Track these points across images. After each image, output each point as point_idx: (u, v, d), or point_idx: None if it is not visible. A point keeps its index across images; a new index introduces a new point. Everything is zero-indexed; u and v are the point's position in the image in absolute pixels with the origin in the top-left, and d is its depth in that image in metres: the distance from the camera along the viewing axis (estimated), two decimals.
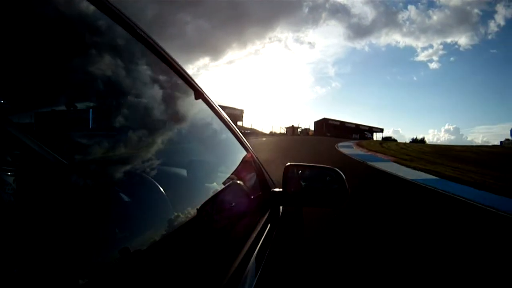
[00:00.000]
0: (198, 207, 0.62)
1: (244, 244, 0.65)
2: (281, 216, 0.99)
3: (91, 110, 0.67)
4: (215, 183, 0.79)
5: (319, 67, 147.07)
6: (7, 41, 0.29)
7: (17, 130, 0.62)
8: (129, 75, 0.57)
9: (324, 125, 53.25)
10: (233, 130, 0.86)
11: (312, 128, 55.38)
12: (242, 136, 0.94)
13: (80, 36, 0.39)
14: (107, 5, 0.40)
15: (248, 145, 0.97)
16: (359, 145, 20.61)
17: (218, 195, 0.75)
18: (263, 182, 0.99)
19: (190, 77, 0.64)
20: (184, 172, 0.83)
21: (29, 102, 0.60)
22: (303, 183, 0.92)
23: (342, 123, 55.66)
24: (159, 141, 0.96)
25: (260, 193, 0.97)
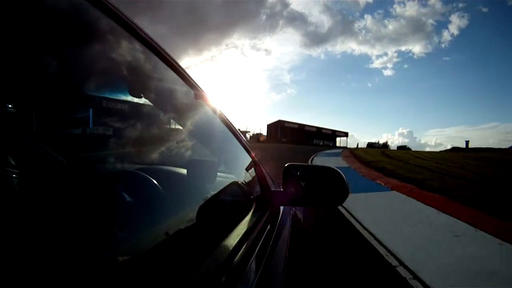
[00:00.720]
0: (198, 207, 0.62)
1: (244, 244, 0.65)
2: (281, 216, 1.00)
3: (91, 110, 0.67)
4: (215, 183, 0.79)
5: (275, 74, 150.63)
6: (7, 41, 0.29)
7: (17, 130, 0.62)
8: (129, 75, 0.57)
9: (279, 128, 44.69)
10: (233, 130, 0.87)
11: (264, 132, 46.90)
12: (242, 136, 0.94)
13: (79, 36, 0.39)
14: (106, 5, 0.40)
15: (248, 145, 0.97)
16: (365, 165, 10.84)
17: (218, 194, 0.75)
18: (263, 182, 0.99)
19: (190, 77, 0.64)
20: (184, 172, 0.83)
21: (29, 103, 0.60)
22: (303, 183, 0.92)
23: (301, 126, 47.11)
24: (159, 141, 0.96)
25: (260, 193, 0.97)
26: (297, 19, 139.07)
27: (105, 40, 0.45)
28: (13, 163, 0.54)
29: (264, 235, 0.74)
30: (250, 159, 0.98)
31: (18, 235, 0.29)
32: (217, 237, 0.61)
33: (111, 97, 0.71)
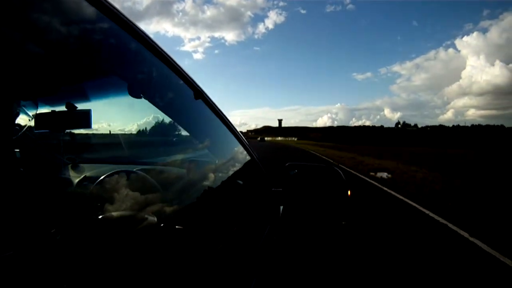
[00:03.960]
0: (197, 207, 0.62)
1: (244, 243, 0.65)
2: (281, 216, 1.00)
3: (91, 110, 0.67)
4: (215, 183, 0.79)
5: None
6: (7, 41, 0.29)
7: (17, 130, 0.62)
8: (128, 75, 0.57)
9: None
10: (233, 130, 0.87)
11: None
12: (242, 136, 0.94)
13: (79, 36, 0.39)
14: (106, 6, 0.40)
15: (248, 145, 0.97)
16: None
17: (217, 194, 0.75)
18: (263, 182, 0.99)
19: (190, 77, 0.64)
20: (184, 172, 0.83)
21: (29, 103, 0.60)
22: (302, 183, 0.92)
23: None
24: (159, 141, 0.96)
25: (260, 193, 0.97)
26: None
27: (104, 40, 0.45)
28: (13, 162, 0.54)
29: (264, 235, 0.74)
30: (250, 159, 0.98)
31: (18, 234, 0.29)
32: (217, 237, 0.61)
33: (111, 97, 0.71)
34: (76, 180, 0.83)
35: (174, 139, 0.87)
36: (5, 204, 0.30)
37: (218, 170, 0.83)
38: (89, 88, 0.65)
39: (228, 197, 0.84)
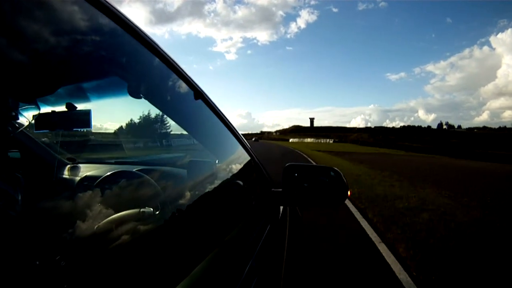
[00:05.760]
0: (198, 207, 0.62)
1: (244, 244, 0.65)
2: (281, 216, 1.00)
3: (91, 111, 0.67)
4: (215, 183, 0.79)
5: None
6: (7, 41, 0.29)
7: (17, 130, 0.62)
8: (128, 75, 0.57)
9: None
10: (233, 130, 0.87)
11: None
12: (242, 136, 0.94)
13: (79, 36, 0.39)
14: (106, 6, 0.40)
15: (248, 145, 0.97)
16: None
17: (217, 195, 0.75)
18: (263, 182, 0.99)
19: (190, 77, 0.64)
20: (184, 172, 0.83)
21: (29, 103, 0.60)
22: (302, 183, 0.92)
23: None
24: (159, 142, 0.96)
25: (260, 193, 0.97)
26: None
27: (105, 41, 0.45)
28: (13, 162, 0.54)
29: (264, 235, 0.74)
30: (250, 159, 0.98)
31: (18, 234, 0.29)
32: (217, 237, 0.61)
33: (111, 97, 0.71)
34: (76, 180, 0.83)
35: (174, 139, 0.87)
36: (5, 204, 0.30)
37: (218, 170, 0.83)
38: (89, 88, 0.65)
39: (228, 197, 0.84)
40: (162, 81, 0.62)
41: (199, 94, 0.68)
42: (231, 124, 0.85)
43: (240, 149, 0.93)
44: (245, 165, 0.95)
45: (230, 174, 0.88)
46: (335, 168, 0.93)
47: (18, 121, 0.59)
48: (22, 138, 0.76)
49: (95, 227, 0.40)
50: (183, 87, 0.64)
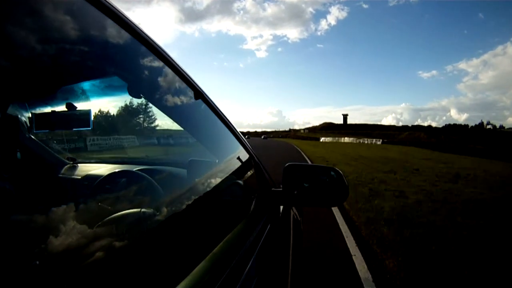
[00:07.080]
0: (197, 207, 0.62)
1: (244, 244, 0.65)
2: (281, 216, 1.00)
3: (91, 111, 0.67)
4: (215, 183, 0.79)
5: None
6: (7, 41, 0.30)
7: (17, 130, 0.62)
8: (128, 75, 0.57)
9: None
10: (233, 130, 0.87)
11: None
12: (242, 136, 0.94)
13: (79, 36, 0.39)
14: (106, 6, 0.40)
15: (248, 144, 0.97)
16: None
17: (218, 195, 0.75)
18: (263, 182, 0.99)
19: (190, 77, 0.64)
20: (184, 172, 0.83)
21: (29, 103, 0.61)
22: (303, 183, 0.92)
23: None
24: (159, 141, 0.96)
25: (260, 192, 0.97)
26: None
27: (104, 41, 0.45)
28: (14, 162, 0.54)
29: (264, 235, 0.74)
30: (250, 159, 0.98)
31: (18, 234, 0.29)
32: (218, 237, 0.61)
33: (111, 97, 0.71)
34: (77, 180, 0.83)
35: (174, 139, 0.87)
36: (5, 204, 0.30)
37: (218, 170, 0.83)
38: (89, 88, 0.65)
39: (228, 196, 0.84)
40: (162, 81, 0.62)
41: (199, 94, 0.68)
42: (231, 123, 0.85)
43: (240, 148, 0.93)
44: (245, 164, 0.95)
45: (230, 174, 0.88)
46: (335, 168, 0.93)
47: (18, 121, 0.59)
48: (22, 138, 0.76)
49: (96, 227, 0.40)
50: (183, 87, 0.64)
